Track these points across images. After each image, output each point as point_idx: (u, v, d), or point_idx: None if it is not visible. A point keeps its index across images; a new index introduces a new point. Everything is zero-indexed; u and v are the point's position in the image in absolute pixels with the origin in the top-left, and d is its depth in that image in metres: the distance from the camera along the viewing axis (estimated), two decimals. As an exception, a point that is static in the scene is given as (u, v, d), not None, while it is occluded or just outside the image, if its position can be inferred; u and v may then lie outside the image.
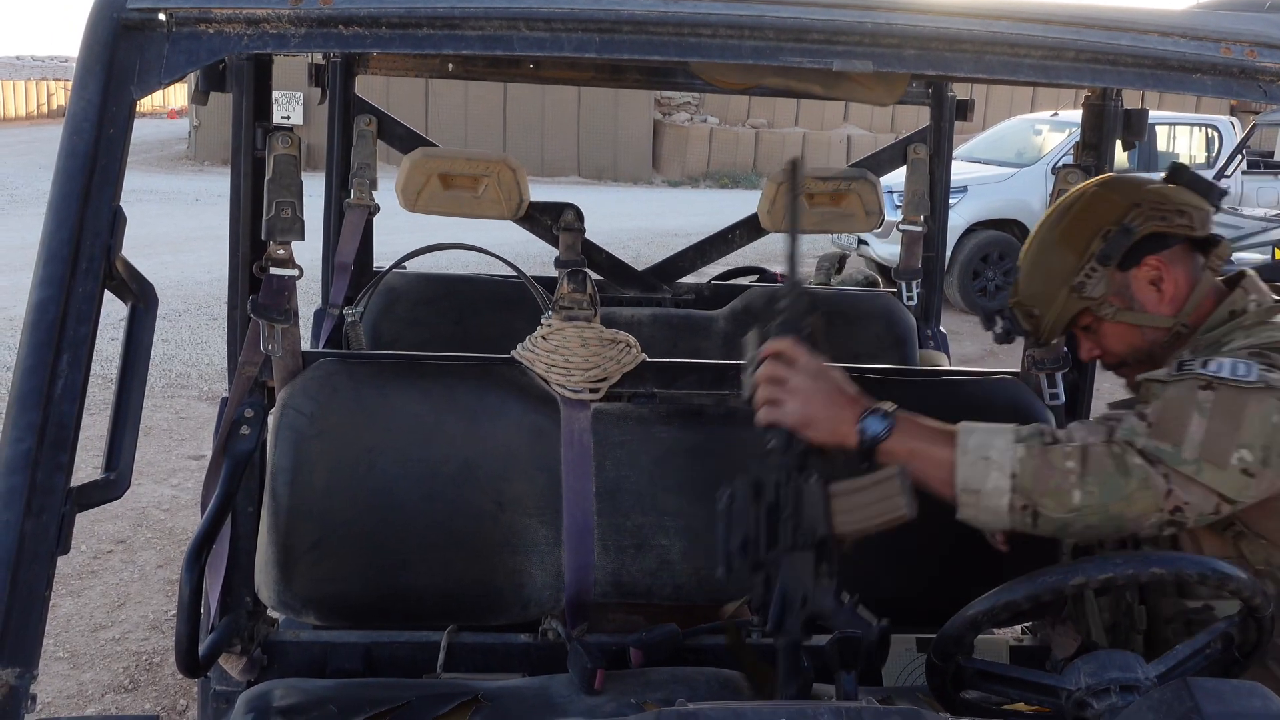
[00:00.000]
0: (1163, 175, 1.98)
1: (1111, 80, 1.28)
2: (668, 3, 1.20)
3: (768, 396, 1.67)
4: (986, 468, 1.61)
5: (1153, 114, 2.94)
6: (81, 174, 1.17)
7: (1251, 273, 1.90)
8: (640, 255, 10.03)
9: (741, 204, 4.78)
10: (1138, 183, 1.94)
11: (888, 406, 1.68)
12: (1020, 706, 1.63)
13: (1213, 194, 1.92)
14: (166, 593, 4.36)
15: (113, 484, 1.16)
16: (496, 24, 1.20)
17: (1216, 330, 1.82)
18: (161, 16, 1.20)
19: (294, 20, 1.20)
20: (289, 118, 17.02)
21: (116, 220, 1.17)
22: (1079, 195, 1.95)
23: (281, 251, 2.13)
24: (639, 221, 14.61)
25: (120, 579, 4.48)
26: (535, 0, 1.20)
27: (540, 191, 3.24)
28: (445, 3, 1.19)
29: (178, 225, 13.09)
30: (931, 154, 3.64)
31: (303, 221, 2.12)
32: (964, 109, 3.63)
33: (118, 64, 1.19)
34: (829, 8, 1.22)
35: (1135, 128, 2.45)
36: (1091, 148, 2.46)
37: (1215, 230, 1.91)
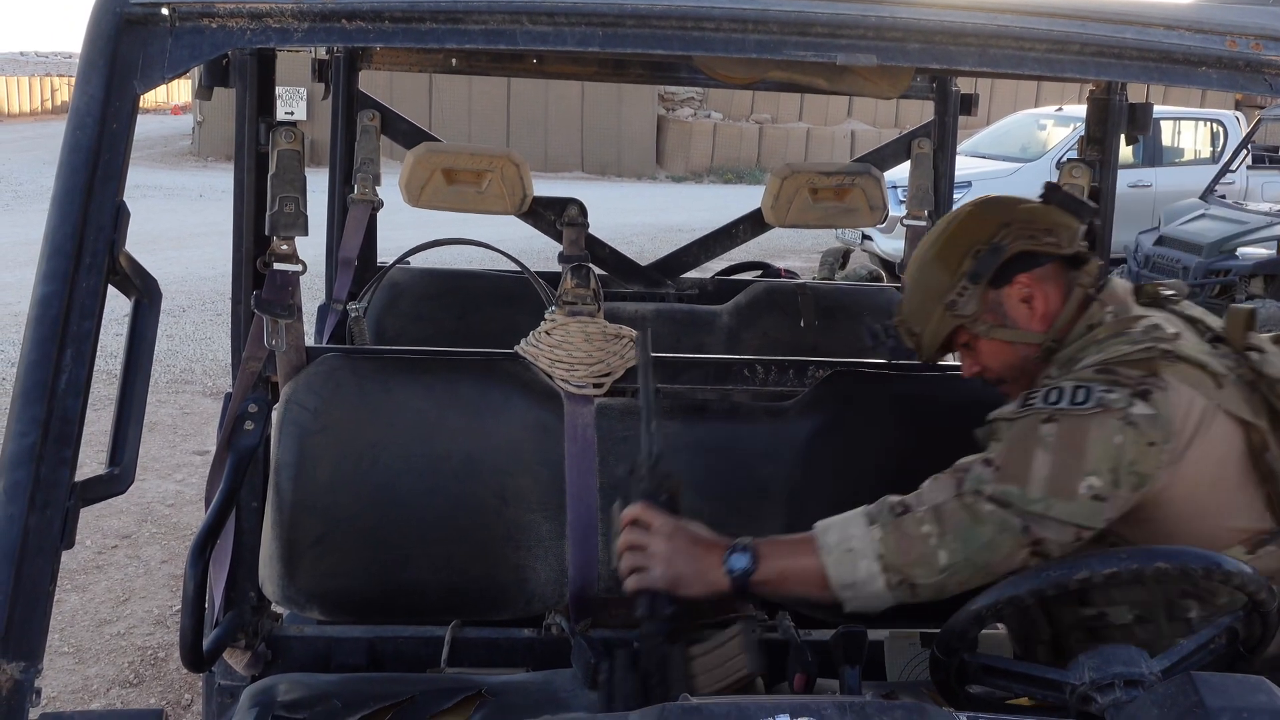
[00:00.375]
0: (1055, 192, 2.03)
1: (1116, 74, 1.28)
2: (672, -3, 1.20)
3: (631, 564, 1.74)
4: (853, 559, 1.66)
5: (1158, 109, 2.93)
6: (85, 169, 1.17)
7: (1118, 281, 1.92)
8: (644, 251, 10.02)
9: (745, 199, 4.77)
10: (1011, 203, 1.98)
11: (744, 540, 1.73)
12: (1024, 701, 1.63)
13: (1083, 212, 1.98)
14: (171, 588, 4.36)
15: (117, 479, 1.16)
16: (499, 18, 1.20)
17: (1073, 346, 1.84)
18: (164, 11, 1.19)
19: (297, 14, 1.20)
20: (293, 113, 17.00)
21: (120, 215, 1.17)
22: (954, 215, 1.99)
23: (285, 247, 2.13)
24: (643, 217, 14.59)
25: (125, 574, 4.49)
26: (538, -6, 1.20)
27: (544, 187, 3.24)
28: (448, -4, 1.19)
29: (182, 221, 13.09)
30: (936, 149, 3.63)
31: (306, 216, 2.12)
32: (968, 103, 3.62)
33: (121, 59, 1.19)
34: (833, 1, 1.22)
35: (1140, 122, 2.44)
36: (1096, 142, 2.46)
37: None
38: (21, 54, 30.59)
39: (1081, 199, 1.96)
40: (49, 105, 28.49)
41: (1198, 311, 1.88)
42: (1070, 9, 1.26)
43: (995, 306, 1.90)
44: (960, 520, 1.62)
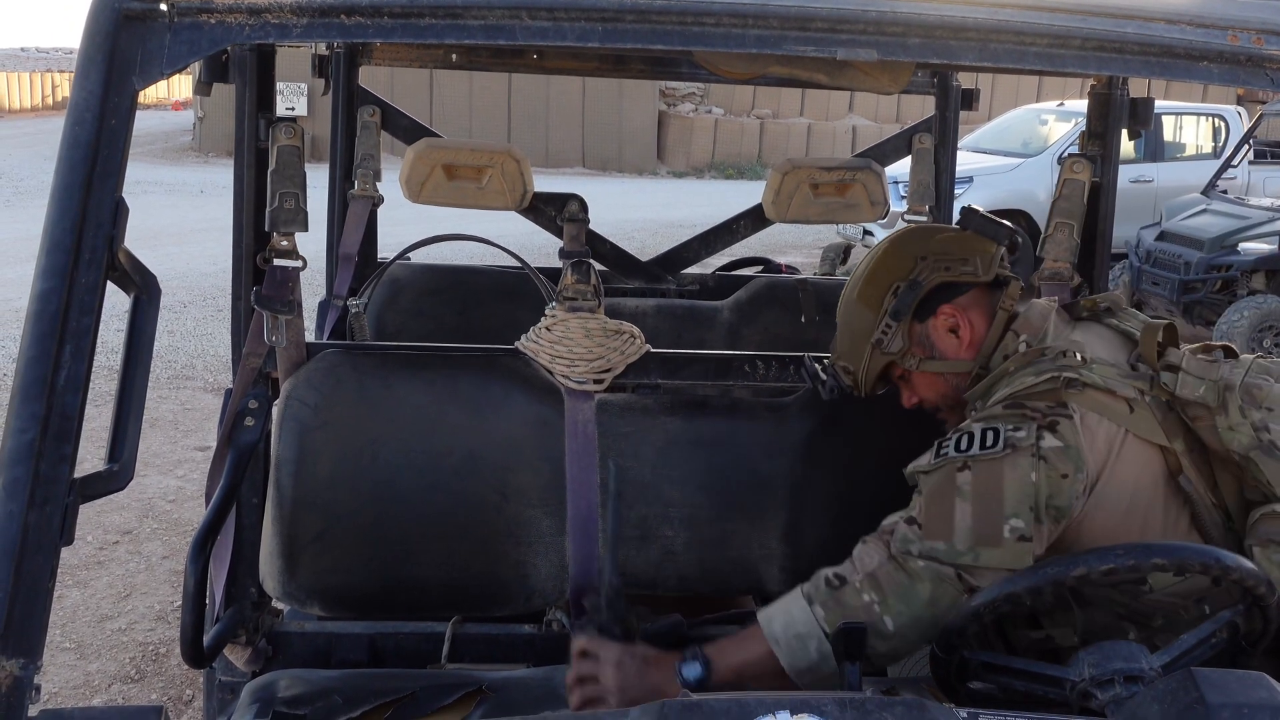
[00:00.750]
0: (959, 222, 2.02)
1: (1118, 69, 1.27)
2: (672, -9, 1.20)
3: (585, 696, 1.76)
4: (803, 643, 1.68)
5: (1159, 104, 2.92)
6: (84, 164, 1.17)
7: (1037, 304, 1.93)
8: (645, 246, 10.02)
9: (746, 195, 4.77)
10: (926, 234, 2.01)
11: (692, 650, 1.75)
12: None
13: (1000, 234, 1.97)
14: (172, 584, 4.37)
15: (116, 475, 1.16)
16: (499, 13, 1.20)
17: (988, 378, 1.86)
18: (163, 6, 1.19)
19: (295, 10, 1.19)
20: (293, 109, 17.00)
21: (119, 211, 1.17)
22: (873, 252, 2.01)
23: (285, 243, 2.13)
24: (644, 213, 14.59)
25: (126, 570, 4.50)
26: (538, -11, 1.19)
27: (544, 182, 3.23)
28: (448, -9, 1.19)
29: (182, 217, 13.09)
30: (937, 144, 3.63)
31: (306, 212, 2.11)
32: (969, 98, 3.62)
33: (119, 54, 1.19)
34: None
35: (1141, 117, 2.44)
36: (1097, 137, 2.45)
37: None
38: (22, 49, 30.58)
39: (998, 221, 1.96)
40: (50, 101, 28.47)
41: (1134, 324, 1.88)
42: (1072, 3, 1.25)
43: (923, 340, 1.93)
44: (897, 582, 1.65)
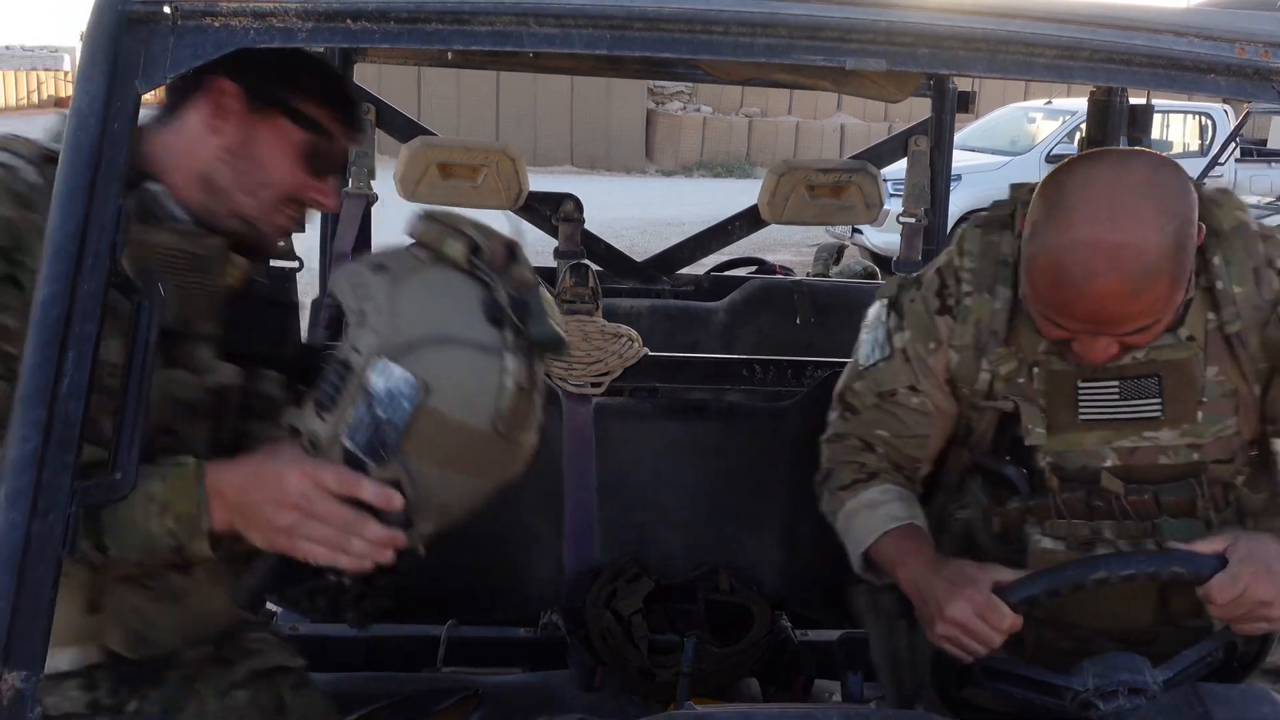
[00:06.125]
0: None
1: (1125, 80, 1.27)
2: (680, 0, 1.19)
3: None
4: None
5: (1146, 101, 2.93)
6: (87, 169, 1.15)
7: None
8: (635, 245, 9.98)
9: (735, 193, 4.76)
10: None
11: None
12: None
13: None
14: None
15: (118, 484, 1.15)
16: (506, 19, 1.19)
17: None
18: (166, 10, 1.18)
19: (301, 14, 1.18)
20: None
21: (121, 216, 1.15)
22: None
23: (281, 243, 2.11)
24: (633, 211, 14.56)
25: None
26: (546, -5, 1.18)
27: (533, 181, 3.22)
28: (455, -3, 1.18)
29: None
30: (932, 146, 3.62)
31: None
32: (965, 101, 3.62)
33: (122, 58, 1.18)
34: (843, 5, 1.21)
35: (1140, 124, 2.45)
36: (1097, 144, 2.45)
37: None
38: (6, 48, 30.34)
39: None
40: (35, 99, 28.27)
41: None
42: (1081, 14, 1.25)
43: None
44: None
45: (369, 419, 1.27)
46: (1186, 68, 1.26)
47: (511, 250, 1.38)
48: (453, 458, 1.31)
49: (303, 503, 1.26)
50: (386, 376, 1.26)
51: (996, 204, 1.73)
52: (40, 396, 1.10)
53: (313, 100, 1.50)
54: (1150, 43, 1.24)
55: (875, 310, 1.80)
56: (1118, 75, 1.26)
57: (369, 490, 1.27)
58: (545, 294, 1.35)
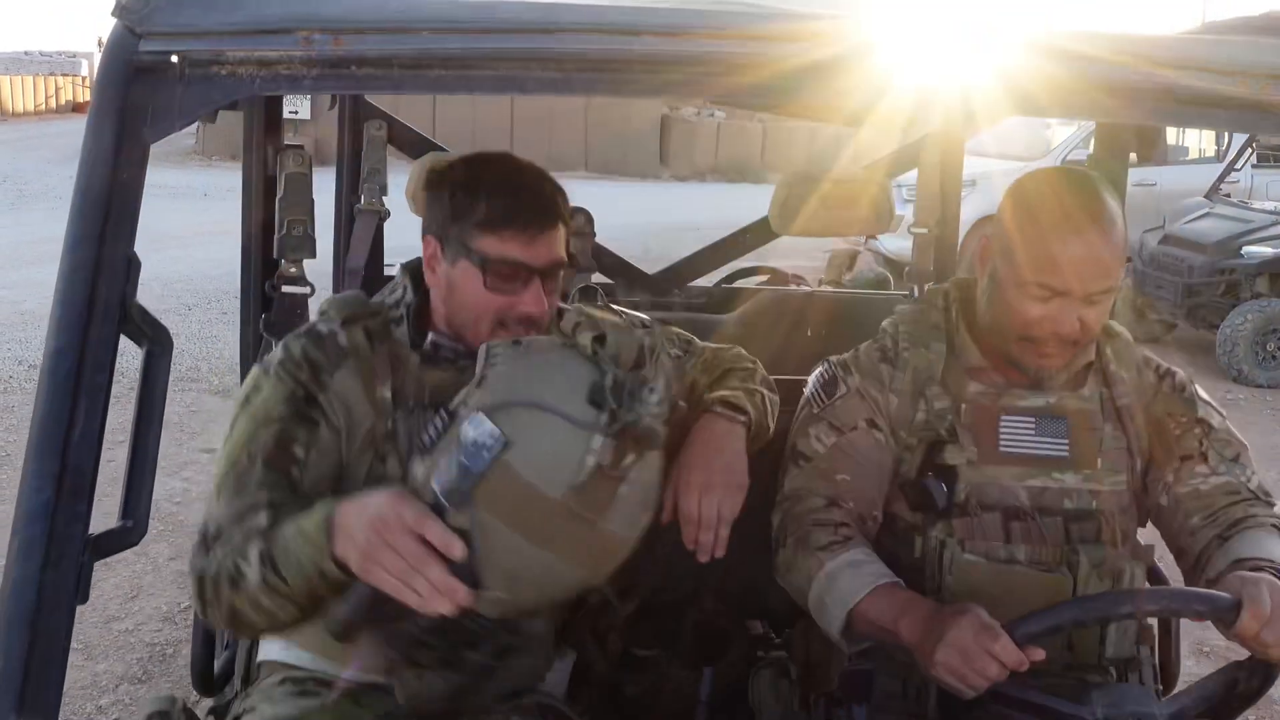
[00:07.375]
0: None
1: (1127, 116, 1.27)
2: (679, 43, 1.19)
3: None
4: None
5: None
6: (96, 218, 1.17)
7: None
8: (650, 249, 10.01)
9: (749, 199, 4.77)
10: None
11: None
12: None
13: None
14: (179, 584, 4.36)
15: (130, 531, 1.16)
16: (509, 64, 1.20)
17: None
18: (174, 59, 1.19)
19: (306, 62, 1.19)
20: (296, 112, 16.90)
21: (131, 266, 1.17)
22: None
23: (293, 269, 2.13)
24: (648, 216, 14.59)
25: (133, 571, 4.49)
26: (547, 40, 1.19)
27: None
28: (458, 44, 1.19)
29: (186, 220, 13.09)
30: (943, 158, 3.61)
31: (314, 239, 2.12)
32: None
33: (131, 107, 1.19)
34: (845, 48, 1.21)
35: (1147, 145, 2.44)
36: (1104, 163, 2.45)
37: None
38: (25, 53, 30.57)
39: None
40: (52, 104, 28.47)
41: None
42: (1082, 51, 1.25)
43: None
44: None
45: (455, 466, 1.33)
46: (1186, 102, 1.26)
47: (646, 351, 1.46)
48: (521, 520, 1.34)
49: (381, 527, 1.33)
50: (477, 428, 1.33)
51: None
52: (52, 447, 1.11)
53: (483, 232, 1.61)
54: (1150, 79, 1.24)
55: (814, 377, 1.99)
56: (1118, 111, 1.27)
57: (435, 531, 1.32)
58: (660, 394, 1.39)
